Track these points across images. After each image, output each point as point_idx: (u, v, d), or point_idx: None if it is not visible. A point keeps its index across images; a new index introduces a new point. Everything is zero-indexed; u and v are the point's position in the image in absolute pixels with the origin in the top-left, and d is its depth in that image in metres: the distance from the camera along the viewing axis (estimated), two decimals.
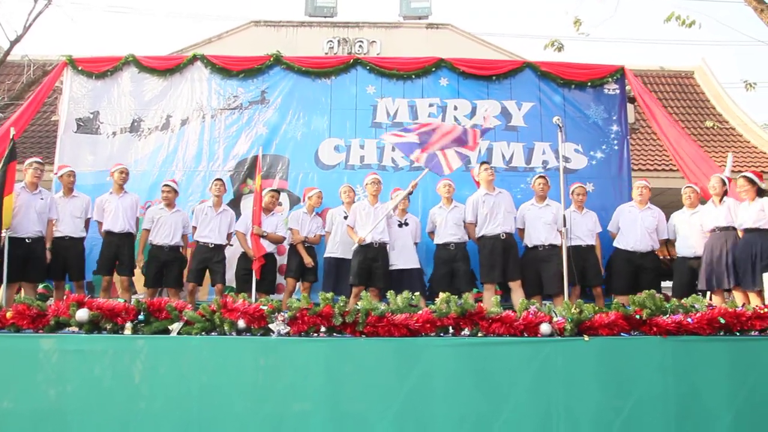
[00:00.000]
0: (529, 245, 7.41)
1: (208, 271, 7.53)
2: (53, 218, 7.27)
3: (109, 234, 7.50)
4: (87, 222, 7.61)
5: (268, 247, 7.55)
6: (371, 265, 7.24)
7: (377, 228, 7.25)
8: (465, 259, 7.40)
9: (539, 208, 7.45)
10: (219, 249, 7.58)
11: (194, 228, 7.66)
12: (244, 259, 7.52)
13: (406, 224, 7.55)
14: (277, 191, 7.99)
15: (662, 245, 7.62)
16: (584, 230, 7.45)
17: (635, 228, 7.41)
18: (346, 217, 7.60)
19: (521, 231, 7.56)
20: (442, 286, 6.83)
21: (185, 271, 7.62)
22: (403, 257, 7.42)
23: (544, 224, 7.31)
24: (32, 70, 13.27)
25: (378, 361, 4.81)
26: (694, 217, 7.26)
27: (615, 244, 7.54)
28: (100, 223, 7.60)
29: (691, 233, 7.20)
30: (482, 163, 7.68)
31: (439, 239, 7.48)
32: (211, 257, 7.48)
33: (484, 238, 7.29)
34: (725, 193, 6.99)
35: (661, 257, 7.69)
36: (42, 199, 7.13)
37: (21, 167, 7.23)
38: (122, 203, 7.54)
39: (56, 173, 7.75)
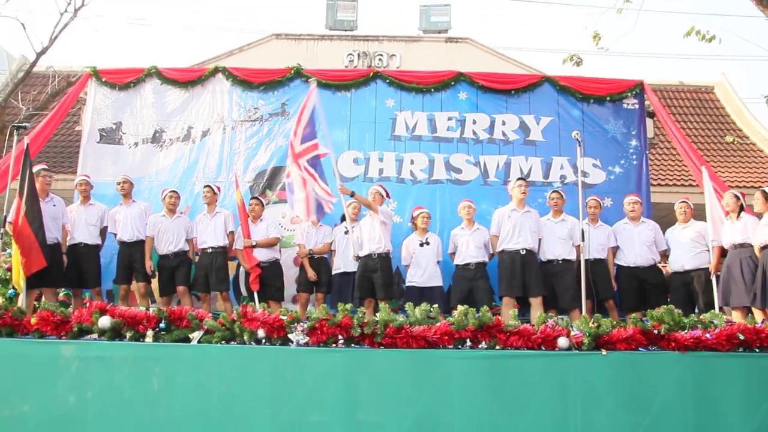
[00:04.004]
0: (543, 259, 7.36)
1: (210, 277, 7.49)
2: (66, 224, 7.38)
3: (121, 243, 7.62)
4: (104, 231, 7.68)
5: (268, 254, 7.61)
6: (371, 276, 7.29)
7: (373, 239, 7.32)
8: (485, 277, 7.39)
9: (555, 223, 7.41)
10: (218, 253, 7.56)
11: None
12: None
13: (428, 243, 7.55)
14: (258, 198, 8.02)
15: (662, 257, 7.60)
16: (595, 244, 7.39)
17: (633, 243, 7.41)
18: (346, 233, 7.65)
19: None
20: (460, 302, 6.85)
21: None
22: (427, 275, 7.44)
23: (558, 239, 7.28)
24: (57, 80, 13.39)
25: (396, 372, 4.84)
26: (685, 231, 7.30)
27: (617, 261, 7.52)
28: (114, 234, 7.68)
29: (681, 248, 7.24)
30: (519, 179, 7.65)
31: (460, 260, 7.46)
32: (210, 263, 7.49)
33: (504, 252, 7.27)
34: (741, 208, 6.94)
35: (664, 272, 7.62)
36: (54, 205, 7.24)
37: None
38: (130, 212, 7.62)
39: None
